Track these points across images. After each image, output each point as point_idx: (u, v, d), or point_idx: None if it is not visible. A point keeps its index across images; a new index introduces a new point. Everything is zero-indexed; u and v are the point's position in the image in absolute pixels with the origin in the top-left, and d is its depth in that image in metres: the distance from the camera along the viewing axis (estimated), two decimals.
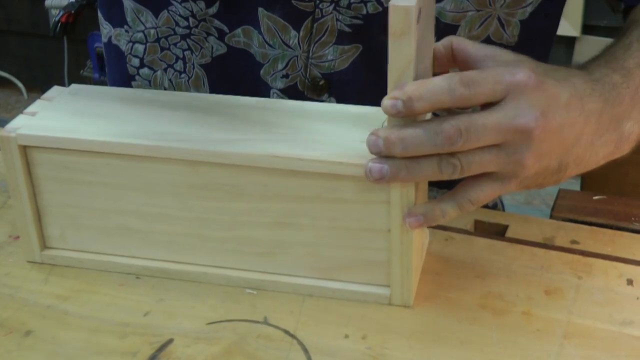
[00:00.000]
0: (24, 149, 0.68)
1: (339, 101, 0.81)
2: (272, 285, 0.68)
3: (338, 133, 0.66)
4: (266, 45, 0.81)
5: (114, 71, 0.94)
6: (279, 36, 0.80)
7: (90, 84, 2.84)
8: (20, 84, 3.02)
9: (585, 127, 0.61)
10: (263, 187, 0.65)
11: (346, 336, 0.63)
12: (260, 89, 0.83)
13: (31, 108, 0.71)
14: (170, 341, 0.63)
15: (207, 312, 0.66)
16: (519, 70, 0.59)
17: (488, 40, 0.79)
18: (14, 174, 0.69)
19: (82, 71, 2.77)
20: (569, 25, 2.28)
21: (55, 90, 0.75)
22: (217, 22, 0.81)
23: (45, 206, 0.71)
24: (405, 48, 0.57)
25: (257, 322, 0.65)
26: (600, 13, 2.26)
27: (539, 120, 0.58)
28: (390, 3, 0.56)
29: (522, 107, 0.58)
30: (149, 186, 0.67)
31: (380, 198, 0.63)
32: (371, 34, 0.78)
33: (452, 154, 0.58)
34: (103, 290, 0.69)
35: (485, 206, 0.70)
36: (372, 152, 0.59)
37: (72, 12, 2.61)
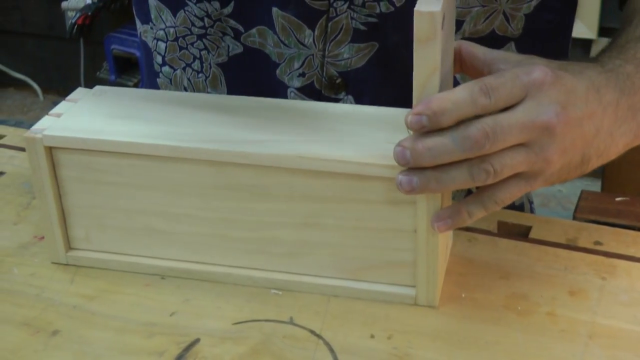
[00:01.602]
0: (50, 150, 0.68)
1: (356, 99, 0.82)
2: (297, 285, 0.68)
3: (363, 134, 0.66)
4: (281, 45, 0.81)
5: (145, 67, 0.95)
6: (294, 35, 0.80)
7: (108, 85, 2.87)
8: (36, 86, 3.03)
9: (604, 118, 0.61)
10: (289, 187, 0.65)
11: (372, 336, 0.63)
12: (278, 88, 0.84)
13: (56, 109, 0.72)
14: (197, 341, 0.64)
15: (232, 312, 0.66)
16: (534, 69, 0.59)
17: (492, 34, 0.79)
18: (40, 175, 0.70)
19: (98, 73, 2.78)
20: (585, 27, 2.28)
21: (80, 91, 0.75)
22: (232, 22, 0.82)
23: (70, 207, 0.71)
24: (430, 54, 0.57)
25: (283, 322, 0.65)
26: (617, 15, 2.25)
27: (560, 115, 0.58)
28: (416, 9, 0.56)
29: (543, 104, 0.58)
30: (174, 187, 0.68)
31: (406, 199, 0.63)
32: (386, 32, 0.78)
33: (482, 159, 0.58)
34: (129, 291, 0.70)
35: (513, 207, 0.70)
36: (400, 164, 0.59)
37: (89, 14, 2.62)
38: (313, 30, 0.79)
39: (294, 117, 0.69)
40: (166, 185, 0.68)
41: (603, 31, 2.31)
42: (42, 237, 0.77)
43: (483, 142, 0.57)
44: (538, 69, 0.59)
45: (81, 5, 2.67)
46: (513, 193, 0.61)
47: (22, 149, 0.92)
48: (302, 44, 0.80)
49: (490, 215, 0.73)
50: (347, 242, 0.66)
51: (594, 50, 2.38)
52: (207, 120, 0.69)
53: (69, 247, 0.73)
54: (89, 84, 2.94)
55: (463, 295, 0.67)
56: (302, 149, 0.64)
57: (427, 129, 0.58)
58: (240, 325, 0.65)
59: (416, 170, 0.59)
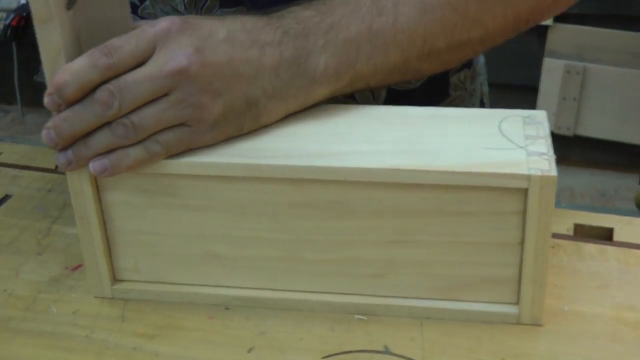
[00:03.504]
0: None
1: None
2: (384, 309, 0.62)
3: (453, 140, 0.60)
4: (163, 14, 0.77)
5: None
6: (169, 3, 0.77)
7: (44, 89, 2.73)
8: None
9: (263, 57, 0.60)
10: (377, 202, 0.58)
11: None
12: None
13: None
14: None
15: (318, 344, 0.60)
16: (160, 20, 0.58)
17: None
18: (82, 200, 0.61)
19: (35, 77, 2.64)
20: None
21: None
22: None
23: (117, 234, 0.63)
24: (51, 35, 0.56)
25: (379, 352, 0.59)
26: None
27: (193, 57, 0.57)
28: None
29: (171, 51, 0.57)
30: (240, 207, 0.60)
31: (513, 208, 0.57)
32: None
33: (122, 117, 0.57)
34: (191, 325, 0.62)
35: None
36: (51, 147, 0.59)
37: (24, 14, 2.48)
38: None
39: (366, 123, 0.62)
40: (231, 205, 0.60)
41: (558, 17, 2.30)
42: (76, 268, 0.68)
43: (110, 102, 0.56)
44: (165, 19, 0.58)
45: (14, 5, 2.53)
46: (178, 136, 0.59)
47: (26, 167, 0.83)
48: (178, 11, 0.77)
49: (566, 218, 0.69)
50: (442, 259, 0.60)
51: (550, 36, 2.37)
52: (277, 132, 0.61)
53: (114, 278, 0.65)
54: (24, 88, 2.80)
55: (566, 309, 0.62)
56: (394, 160, 0.57)
57: (64, 107, 0.57)
58: (331, 359, 0.58)
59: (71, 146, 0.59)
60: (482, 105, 0.90)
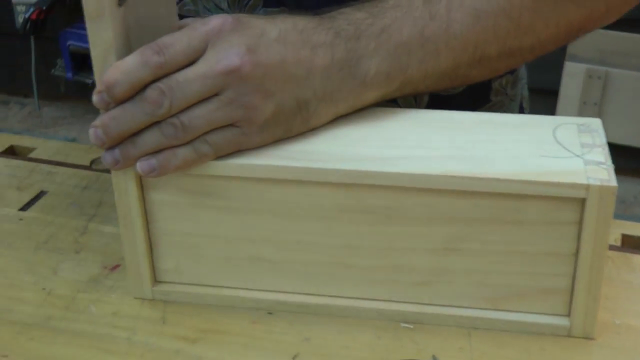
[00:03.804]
0: None
1: None
2: (431, 318, 0.60)
3: (506, 146, 0.58)
4: (206, 11, 0.78)
5: None
6: (212, 1, 0.76)
7: (63, 83, 2.72)
8: None
9: (315, 58, 0.58)
10: (429, 209, 0.57)
11: None
12: None
13: None
14: None
15: (364, 352, 0.58)
16: (212, 18, 0.57)
17: None
18: (126, 200, 0.60)
19: (53, 70, 2.63)
20: None
21: None
22: None
23: (160, 235, 0.62)
24: (102, 31, 0.55)
25: None
26: None
27: (245, 57, 0.56)
28: None
29: (223, 49, 0.56)
30: (288, 211, 0.59)
31: (569, 218, 0.56)
32: None
33: (171, 117, 0.56)
34: (235, 330, 0.61)
35: None
36: (98, 146, 0.58)
37: (44, 8, 2.47)
38: None
39: (415, 127, 0.61)
40: (279, 209, 0.59)
41: None
42: (114, 268, 0.67)
43: (160, 101, 0.55)
44: (216, 17, 0.57)
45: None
46: (227, 137, 0.57)
47: (61, 164, 0.82)
48: (220, 8, 0.76)
49: (613, 228, 0.67)
50: (493, 268, 0.59)
51: None
52: (326, 134, 0.60)
53: (154, 280, 0.64)
54: (41, 82, 2.79)
55: (617, 322, 0.60)
56: (447, 166, 0.56)
57: (113, 106, 0.56)
58: None
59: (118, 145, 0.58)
60: (521, 109, 0.89)
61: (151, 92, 0.55)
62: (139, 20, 0.58)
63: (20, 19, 2.54)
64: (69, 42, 2.52)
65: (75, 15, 2.57)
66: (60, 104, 2.89)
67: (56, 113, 2.87)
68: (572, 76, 2.41)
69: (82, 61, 2.57)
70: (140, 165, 0.57)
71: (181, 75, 0.56)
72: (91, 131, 0.57)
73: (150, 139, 0.57)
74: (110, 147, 0.58)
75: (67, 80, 2.63)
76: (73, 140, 2.67)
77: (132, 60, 0.55)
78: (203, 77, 0.55)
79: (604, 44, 2.35)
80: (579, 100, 2.41)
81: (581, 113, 2.41)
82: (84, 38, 2.53)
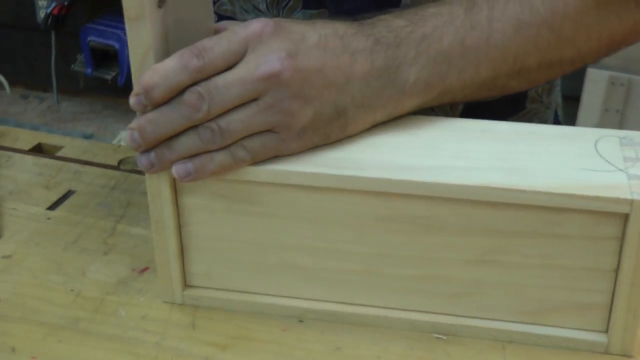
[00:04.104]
0: None
1: None
2: (465, 330, 0.60)
3: (546, 158, 0.57)
4: (243, 12, 0.77)
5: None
6: (250, 2, 0.76)
7: (82, 79, 2.73)
8: (2, 78, 2.87)
9: (354, 65, 0.57)
10: (466, 220, 0.56)
11: None
12: None
13: None
14: None
15: None
16: (253, 22, 0.56)
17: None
18: (160, 203, 0.60)
19: (73, 66, 2.64)
20: None
21: None
22: None
23: (192, 239, 0.62)
24: (142, 33, 0.54)
25: None
26: None
27: (286, 62, 0.55)
28: None
29: (263, 54, 0.55)
30: (323, 218, 0.58)
31: (610, 234, 0.55)
32: None
33: (209, 121, 0.56)
34: (265, 337, 0.60)
35: None
36: (134, 149, 0.57)
37: (65, 4, 2.48)
38: None
39: (451, 136, 0.60)
40: (313, 216, 0.58)
41: None
42: (143, 270, 0.67)
43: (199, 104, 0.54)
44: (257, 21, 0.56)
45: None
46: (265, 143, 0.57)
47: (89, 163, 0.82)
48: (258, 9, 0.75)
49: None
50: (530, 281, 0.58)
51: None
52: (363, 142, 0.59)
53: (185, 284, 0.63)
54: (61, 77, 2.80)
55: None
56: (487, 177, 0.55)
57: (150, 109, 0.55)
58: None
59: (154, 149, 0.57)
60: (556, 117, 0.88)
61: (190, 96, 0.55)
62: (177, 22, 0.58)
63: (41, 14, 2.54)
64: (90, 38, 2.53)
65: (96, 11, 2.57)
66: (79, 99, 2.89)
67: (75, 108, 2.87)
68: (595, 83, 2.39)
69: (102, 57, 2.57)
70: (176, 169, 0.57)
71: (220, 79, 0.55)
72: (127, 134, 0.57)
73: (187, 143, 0.56)
74: (146, 150, 0.57)
75: (86, 76, 2.64)
76: (91, 136, 2.67)
77: (171, 63, 0.55)
78: (242, 81, 0.55)
79: (627, 51, 2.33)
80: (601, 107, 2.40)
81: (603, 120, 2.39)
82: (104, 34, 2.54)
